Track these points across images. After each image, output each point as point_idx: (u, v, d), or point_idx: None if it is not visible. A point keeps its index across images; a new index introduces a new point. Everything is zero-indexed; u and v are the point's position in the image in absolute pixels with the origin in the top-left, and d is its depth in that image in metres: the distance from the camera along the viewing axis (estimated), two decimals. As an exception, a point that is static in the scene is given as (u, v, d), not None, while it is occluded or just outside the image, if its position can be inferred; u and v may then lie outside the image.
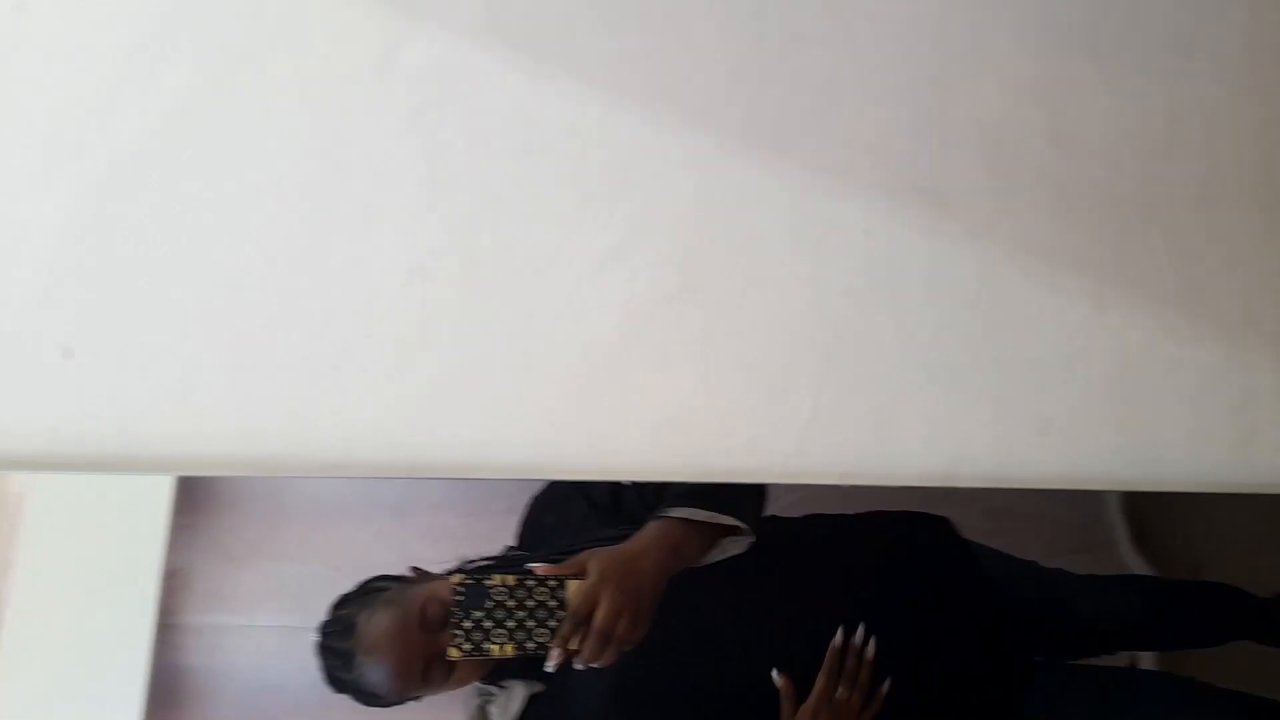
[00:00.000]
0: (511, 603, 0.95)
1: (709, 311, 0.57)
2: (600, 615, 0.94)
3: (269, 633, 1.61)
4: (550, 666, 0.94)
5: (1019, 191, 0.61)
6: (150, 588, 1.59)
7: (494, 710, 1.18)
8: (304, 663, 1.23)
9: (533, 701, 1.16)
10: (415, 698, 1.11)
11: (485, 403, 0.56)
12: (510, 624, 0.94)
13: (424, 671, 1.05)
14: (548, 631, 0.95)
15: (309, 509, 1.70)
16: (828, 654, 1.11)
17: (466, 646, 0.94)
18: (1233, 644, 1.60)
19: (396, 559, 1.70)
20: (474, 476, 0.56)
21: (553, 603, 0.96)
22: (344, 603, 1.11)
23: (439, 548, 1.61)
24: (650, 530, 1.04)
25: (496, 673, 1.15)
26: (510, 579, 0.95)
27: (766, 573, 1.14)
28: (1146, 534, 2.07)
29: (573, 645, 0.94)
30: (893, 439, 0.56)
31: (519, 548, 1.24)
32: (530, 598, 0.95)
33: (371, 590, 1.10)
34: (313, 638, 1.10)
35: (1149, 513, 2.07)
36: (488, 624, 0.94)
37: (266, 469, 0.54)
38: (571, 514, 1.19)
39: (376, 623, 1.05)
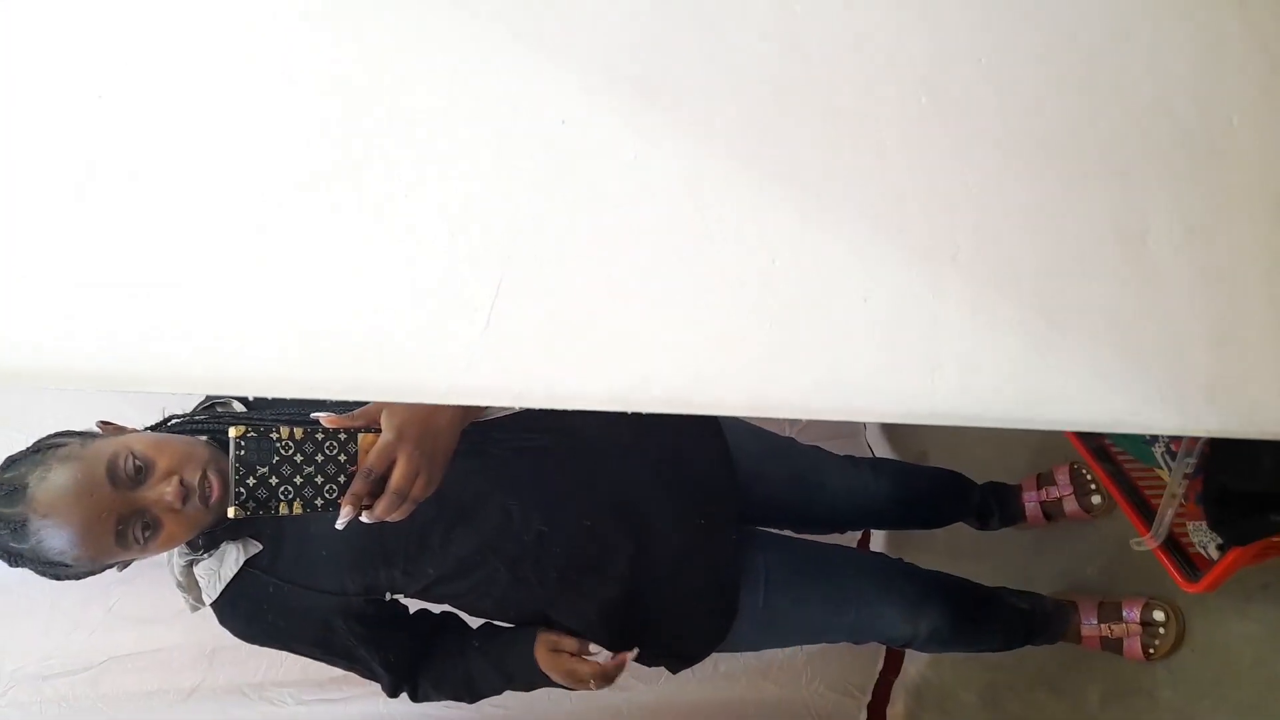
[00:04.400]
0: (299, 457, 0.87)
1: (370, 207, 0.49)
2: (397, 475, 0.88)
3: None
4: (340, 524, 0.88)
5: (735, 88, 0.56)
6: None
7: (201, 572, 1.09)
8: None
9: (251, 564, 1.08)
10: (112, 565, 0.99)
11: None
12: (297, 480, 0.87)
13: (119, 533, 0.94)
14: (337, 488, 0.88)
15: None
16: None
17: (250, 504, 0.85)
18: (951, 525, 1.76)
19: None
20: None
21: (343, 457, 0.88)
22: (12, 464, 0.96)
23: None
24: None
25: (210, 535, 1.06)
26: (298, 431, 0.87)
27: (536, 443, 1.11)
28: (891, 425, 2.22)
29: (365, 503, 0.88)
30: (573, 355, 0.52)
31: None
32: (319, 452, 0.87)
33: (46, 447, 0.96)
34: None
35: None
36: (273, 480, 0.86)
37: None
38: None
39: (52, 482, 0.91)
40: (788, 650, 2.04)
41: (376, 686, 1.66)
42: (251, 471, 0.85)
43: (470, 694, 1.23)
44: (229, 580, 1.08)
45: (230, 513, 0.85)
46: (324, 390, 0.46)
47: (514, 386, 0.50)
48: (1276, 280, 0.73)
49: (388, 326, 0.48)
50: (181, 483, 0.95)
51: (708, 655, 1.31)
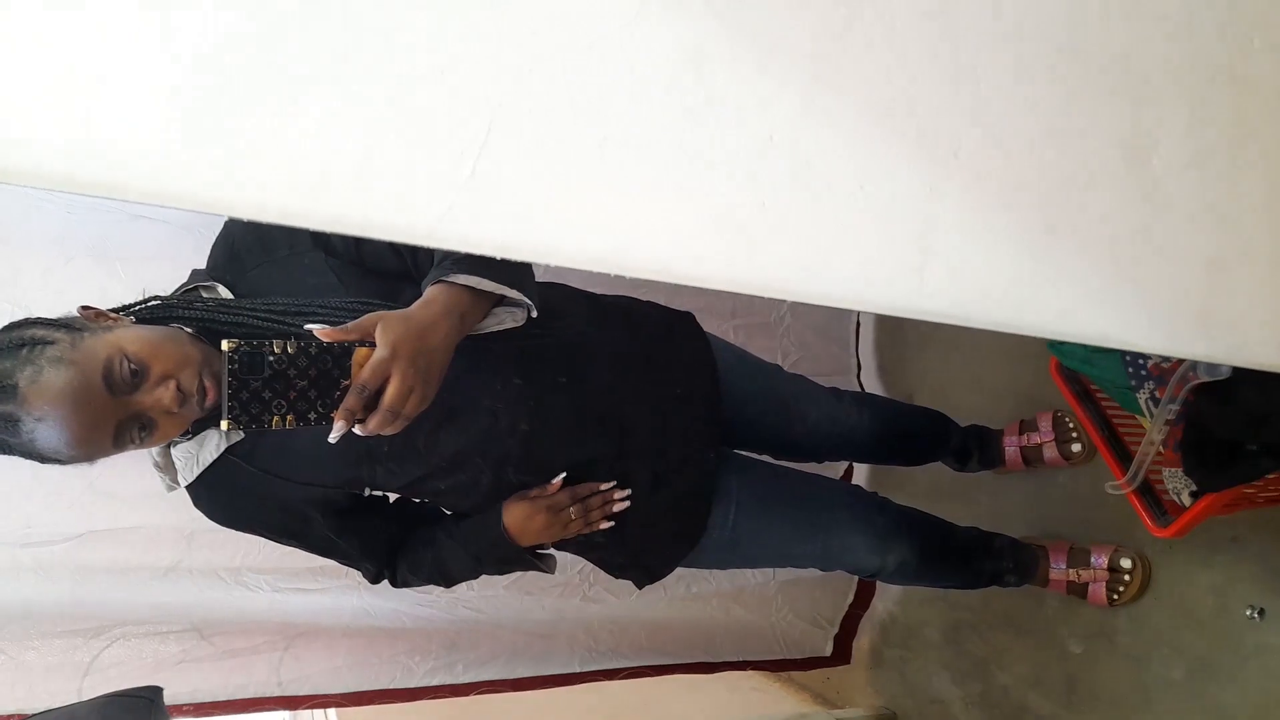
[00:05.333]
0: (292, 371, 0.86)
1: (359, 44, 0.47)
2: (391, 392, 0.88)
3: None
4: (333, 438, 0.88)
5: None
6: None
7: (179, 454, 1.09)
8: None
9: (230, 452, 1.08)
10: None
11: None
12: (291, 394, 0.86)
13: (117, 435, 0.94)
14: (330, 402, 0.88)
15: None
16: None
17: (243, 419, 0.85)
18: (930, 465, 1.77)
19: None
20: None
21: (336, 371, 0.88)
22: None
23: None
24: (437, 298, 0.96)
25: (196, 424, 1.05)
26: (290, 345, 0.86)
27: (525, 347, 1.12)
28: (883, 366, 2.22)
29: (359, 417, 0.88)
30: (558, 210, 0.51)
31: (211, 273, 1.11)
32: (313, 366, 0.87)
33: (28, 342, 0.93)
34: None
35: (885, 349, 2.21)
36: (266, 394, 0.85)
37: None
38: (301, 259, 1.07)
39: (46, 385, 0.90)
40: (759, 577, 2.07)
41: (353, 579, 1.68)
42: (245, 385, 0.85)
43: (444, 578, 1.25)
44: (207, 465, 1.08)
45: (223, 426, 0.85)
46: (303, 219, 0.45)
47: (496, 237, 0.50)
48: (1280, 212, 0.72)
49: (370, 162, 0.47)
50: (179, 388, 0.94)
51: (671, 571, 1.33)
